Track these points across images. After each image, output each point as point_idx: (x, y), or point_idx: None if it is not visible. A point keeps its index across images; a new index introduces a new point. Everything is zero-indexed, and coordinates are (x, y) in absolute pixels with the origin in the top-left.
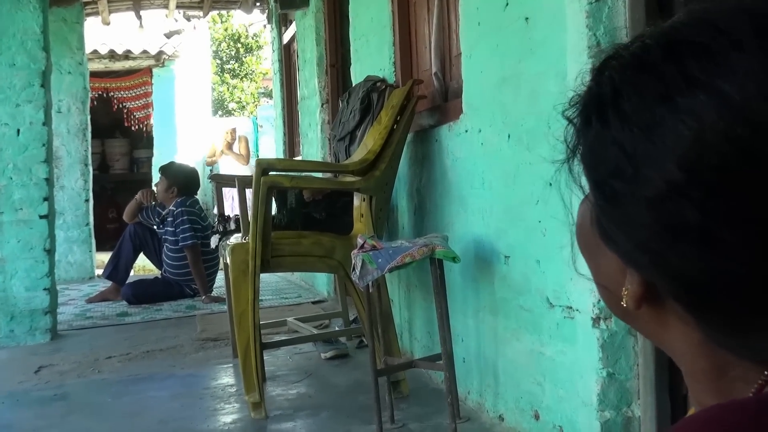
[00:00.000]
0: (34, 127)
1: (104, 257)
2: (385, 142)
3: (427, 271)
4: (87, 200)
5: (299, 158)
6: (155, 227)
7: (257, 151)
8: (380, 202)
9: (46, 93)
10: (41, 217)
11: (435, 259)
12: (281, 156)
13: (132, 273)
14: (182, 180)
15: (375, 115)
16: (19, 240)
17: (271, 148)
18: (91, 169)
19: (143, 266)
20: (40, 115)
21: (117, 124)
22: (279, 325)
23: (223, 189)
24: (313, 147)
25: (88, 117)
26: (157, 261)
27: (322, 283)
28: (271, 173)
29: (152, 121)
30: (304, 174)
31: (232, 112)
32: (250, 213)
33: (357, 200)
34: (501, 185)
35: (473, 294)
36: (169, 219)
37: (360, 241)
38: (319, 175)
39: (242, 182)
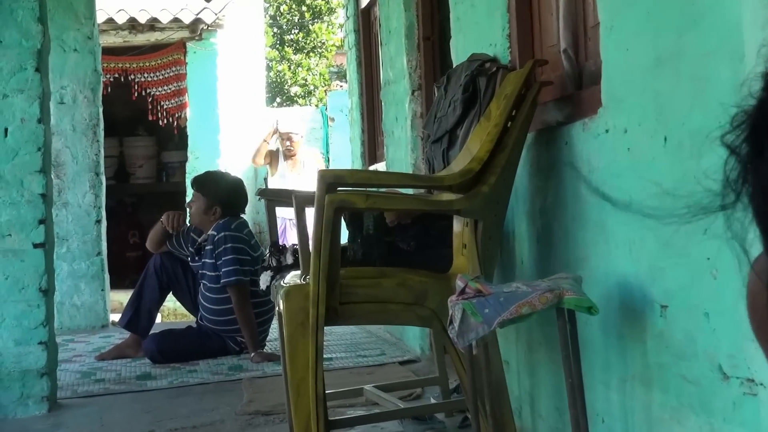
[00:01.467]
0: (27, 126)
1: (122, 298)
2: (496, 146)
3: (555, 324)
4: (98, 221)
5: (381, 166)
6: (189, 259)
7: (327, 153)
8: (489, 227)
9: (42, 79)
10: (36, 245)
11: (564, 309)
12: (358, 161)
13: (158, 320)
14: (225, 195)
15: (483, 109)
16: (6, 276)
17: (346, 149)
18: (104, 178)
19: (173, 310)
20: (35, 108)
21: (140, 117)
22: (353, 395)
23: (277, 209)
24: (401, 149)
25: (100, 109)
26: (191, 304)
27: (413, 336)
28: (339, 189)
29: (187, 113)
30: (384, 190)
31: (295, 98)
32: (311, 243)
33: (458, 225)
34: (655, 207)
35: (618, 357)
36: (208, 248)
37: (460, 284)
38: (408, 191)
39: (301, 201)
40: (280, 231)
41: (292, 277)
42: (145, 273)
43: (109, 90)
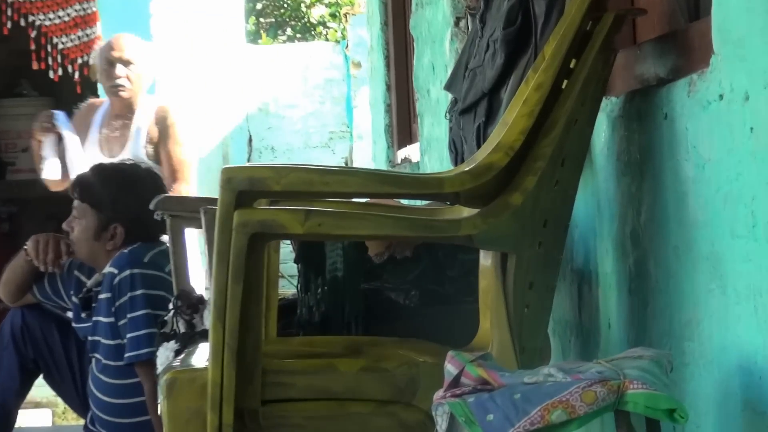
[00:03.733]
0: None
1: None
2: (538, 123)
3: None
4: None
5: (415, 149)
6: (71, 317)
7: (350, 123)
8: (529, 266)
9: None
10: None
11: (627, 413)
12: (382, 141)
13: (28, 423)
14: (131, 206)
15: (537, 51)
16: None
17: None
18: None
19: (48, 402)
20: None
21: (20, 65)
22: None
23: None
24: (442, 120)
25: None
26: (74, 396)
27: None
28: (259, 201)
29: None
30: (344, 201)
31: (317, 27)
32: (210, 295)
33: (484, 262)
34: None
35: None
36: (103, 297)
37: (451, 368)
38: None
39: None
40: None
41: (190, 356)
42: None
43: None
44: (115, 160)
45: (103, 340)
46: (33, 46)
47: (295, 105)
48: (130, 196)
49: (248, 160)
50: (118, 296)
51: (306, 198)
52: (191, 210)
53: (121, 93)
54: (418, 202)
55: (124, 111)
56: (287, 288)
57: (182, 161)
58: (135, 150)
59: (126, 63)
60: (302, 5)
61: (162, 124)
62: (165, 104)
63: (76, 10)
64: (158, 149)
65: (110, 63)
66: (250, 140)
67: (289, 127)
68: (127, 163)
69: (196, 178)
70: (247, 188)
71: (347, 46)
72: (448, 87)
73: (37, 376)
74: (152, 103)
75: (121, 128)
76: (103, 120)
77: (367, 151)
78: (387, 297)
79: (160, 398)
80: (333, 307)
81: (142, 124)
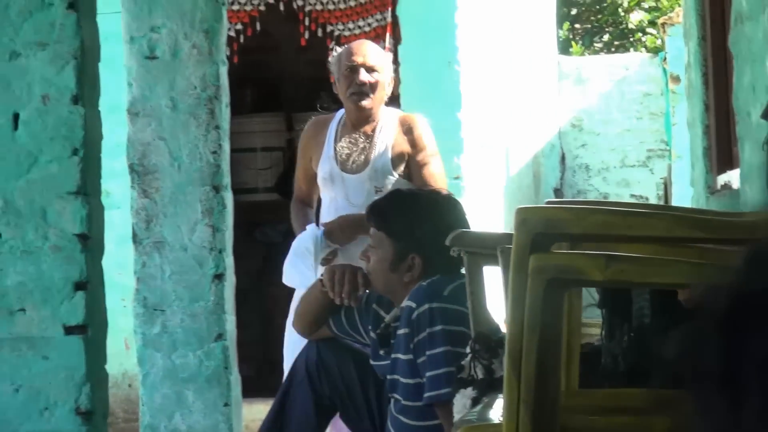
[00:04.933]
0: (53, 108)
1: (261, 414)
2: None
3: None
4: (219, 276)
5: (735, 175)
6: (369, 353)
7: (669, 142)
8: None
9: (81, 21)
10: (69, 330)
11: None
12: (700, 165)
13: None
14: (430, 235)
15: None
16: (16, 388)
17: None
18: (230, 196)
19: None
20: (66, 76)
21: (319, 80)
22: None
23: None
24: (762, 140)
25: (223, 68)
26: None
27: None
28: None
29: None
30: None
31: (634, 34)
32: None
33: None
34: None
35: None
36: (402, 333)
37: None
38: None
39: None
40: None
41: (487, 409)
42: (289, 378)
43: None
44: (388, 184)
45: (402, 379)
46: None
47: (610, 120)
48: (429, 225)
49: (561, 180)
50: (416, 332)
51: (607, 239)
52: (489, 247)
53: (363, 102)
54: None
55: (362, 122)
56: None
57: (433, 174)
58: (382, 164)
59: (370, 69)
60: (620, 10)
61: (410, 135)
62: (409, 113)
63: (377, 20)
64: (408, 162)
65: (352, 69)
66: (563, 158)
67: (604, 144)
68: (425, 189)
69: (502, 200)
70: (543, 230)
71: (665, 59)
72: (766, 115)
73: (333, 415)
74: (393, 113)
75: (363, 140)
76: (337, 132)
77: (687, 170)
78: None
79: None
80: (639, 359)
81: (387, 135)
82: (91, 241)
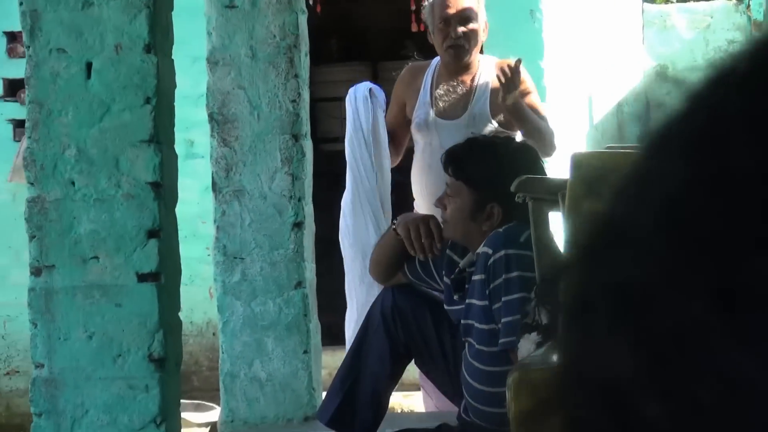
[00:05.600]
0: (126, 57)
1: (337, 362)
2: None
3: None
4: (298, 224)
5: None
6: (443, 299)
7: None
8: None
9: None
10: (142, 277)
11: None
12: None
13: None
14: (510, 183)
15: None
16: (90, 335)
17: None
18: (309, 144)
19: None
20: (139, 25)
21: (403, 30)
22: None
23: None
24: None
25: (302, 17)
26: (448, 383)
27: None
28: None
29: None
30: None
31: None
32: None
33: None
34: None
35: None
36: (477, 278)
37: None
38: None
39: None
40: None
41: (550, 352)
42: (365, 325)
43: None
44: (486, 131)
45: (477, 324)
46: (413, 7)
47: (695, 68)
48: (507, 173)
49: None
50: (492, 278)
51: None
52: (553, 192)
53: (460, 54)
54: None
55: (459, 71)
56: None
57: (544, 118)
58: (481, 109)
59: (464, 20)
60: None
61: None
62: (507, 60)
63: None
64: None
65: (446, 22)
66: (647, 106)
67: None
68: (501, 137)
69: (586, 149)
70: (597, 175)
71: (748, 6)
72: None
73: (408, 361)
74: (491, 60)
75: (461, 87)
76: (434, 79)
77: None
78: None
79: (508, 397)
80: None
81: (486, 81)
82: (163, 189)
